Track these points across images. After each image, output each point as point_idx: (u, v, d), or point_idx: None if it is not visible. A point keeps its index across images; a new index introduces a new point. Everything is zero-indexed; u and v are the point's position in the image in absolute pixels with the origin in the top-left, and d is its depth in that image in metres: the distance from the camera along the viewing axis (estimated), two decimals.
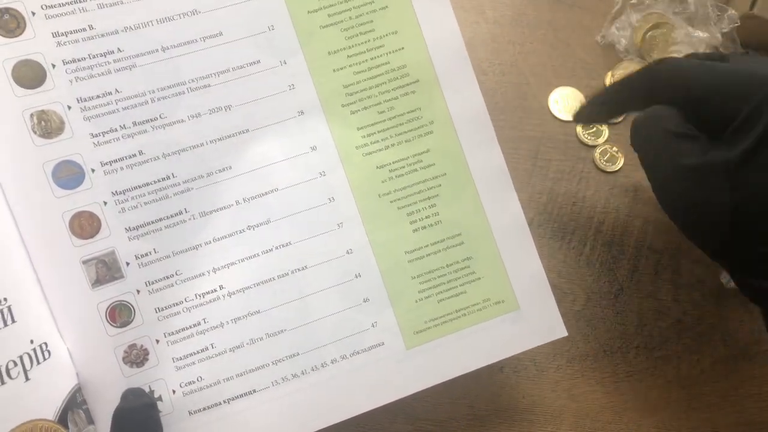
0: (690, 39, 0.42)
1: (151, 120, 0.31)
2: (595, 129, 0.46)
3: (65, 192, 0.30)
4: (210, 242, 0.31)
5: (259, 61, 0.32)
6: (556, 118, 0.46)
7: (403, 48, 0.33)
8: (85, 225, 0.30)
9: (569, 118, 0.45)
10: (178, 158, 0.31)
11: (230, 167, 0.32)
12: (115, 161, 0.31)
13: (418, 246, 0.33)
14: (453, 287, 0.33)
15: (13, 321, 0.27)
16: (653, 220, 0.44)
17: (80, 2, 0.31)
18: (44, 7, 0.30)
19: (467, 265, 0.34)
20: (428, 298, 0.33)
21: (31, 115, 0.30)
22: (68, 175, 0.30)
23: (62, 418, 0.27)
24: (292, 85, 0.32)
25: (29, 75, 0.30)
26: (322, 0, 0.32)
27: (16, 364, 0.26)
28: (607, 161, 0.46)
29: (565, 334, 0.34)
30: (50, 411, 0.27)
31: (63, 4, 0.30)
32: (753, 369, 0.42)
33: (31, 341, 0.27)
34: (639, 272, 0.43)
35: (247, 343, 0.32)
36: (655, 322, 0.41)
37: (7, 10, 0.30)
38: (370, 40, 0.33)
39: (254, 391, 0.32)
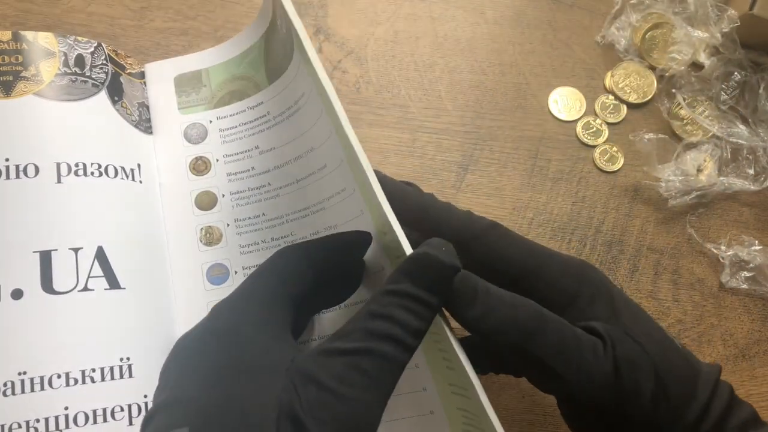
0: (690, 39, 0.42)
1: (284, 237, 0.39)
2: (595, 129, 0.46)
3: (213, 287, 0.39)
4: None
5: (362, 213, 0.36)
6: (555, 118, 0.46)
7: None
8: None
9: (569, 117, 0.46)
10: None
11: None
12: (253, 267, 0.39)
13: None
14: None
15: (131, 376, 0.33)
16: (653, 220, 0.44)
17: (248, 151, 0.41)
18: (225, 156, 0.41)
19: None
20: None
21: (201, 229, 0.40)
22: (217, 275, 0.39)
23: None
24: None
25: (206, 201, 0.41)
26: None
27: (122, 410, 0.32)
28: (606, 161, 0.46)
29: None
30: None
31: (238, 153, 0.41)
32: (753, 369, 0.40)
33: (145, 396, 0.33)
34: (639, 272, 0.43)
35: None
36: None
37: (200, 157, 0.42)
38: None
39: None
